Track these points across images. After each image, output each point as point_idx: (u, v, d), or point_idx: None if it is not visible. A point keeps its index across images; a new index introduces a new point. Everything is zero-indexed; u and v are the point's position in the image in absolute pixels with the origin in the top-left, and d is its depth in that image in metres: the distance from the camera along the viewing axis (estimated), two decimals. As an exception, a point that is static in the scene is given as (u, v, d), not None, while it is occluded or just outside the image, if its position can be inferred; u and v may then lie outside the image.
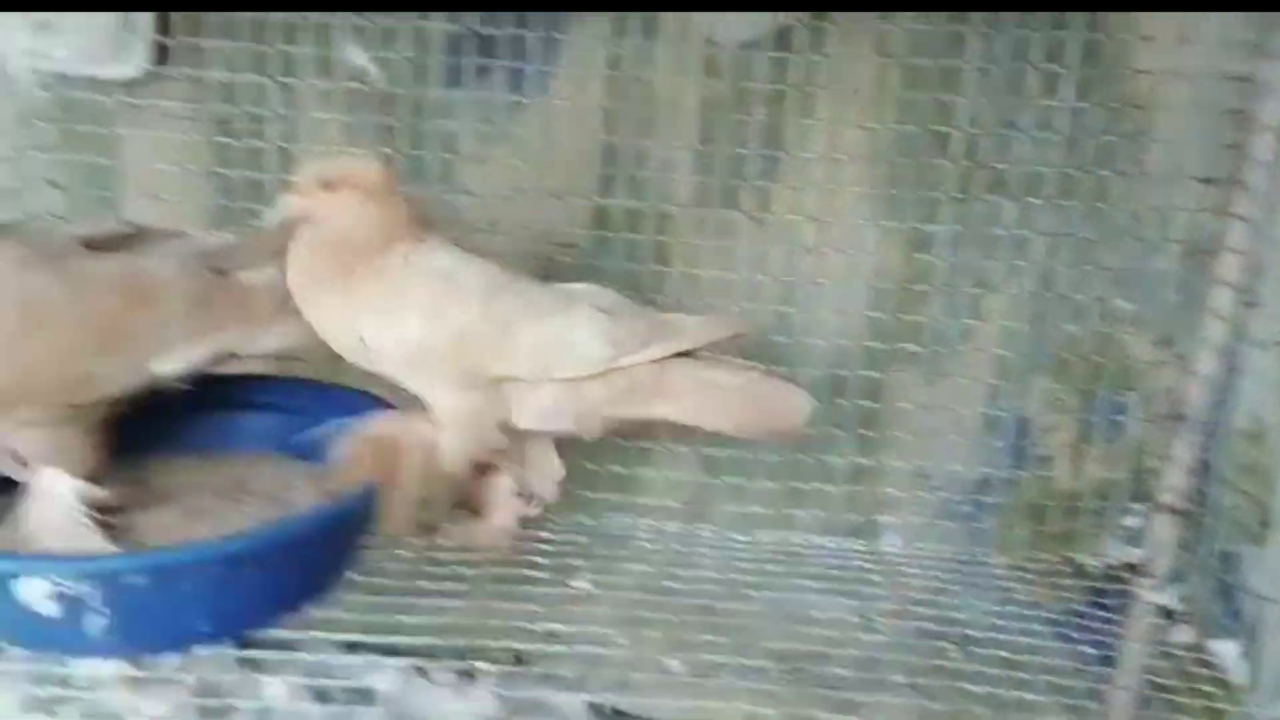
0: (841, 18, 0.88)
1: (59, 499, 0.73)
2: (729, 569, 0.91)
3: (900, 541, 0.98)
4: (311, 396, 0.86)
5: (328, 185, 0.73)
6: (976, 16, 0.87)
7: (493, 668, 0.84)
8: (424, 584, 0.83)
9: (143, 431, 0.81)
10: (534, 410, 0.79)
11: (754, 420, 0.81)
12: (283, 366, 0.89)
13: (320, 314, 0.76)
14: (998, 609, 0.87)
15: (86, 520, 0.72)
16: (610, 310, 0.78)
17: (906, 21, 0.88)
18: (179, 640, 0.69)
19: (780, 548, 0.96)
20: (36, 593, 0.63)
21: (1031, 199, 0.91)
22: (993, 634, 0.83)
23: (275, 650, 0.77)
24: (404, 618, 0.79)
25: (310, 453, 0.84)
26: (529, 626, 0.81)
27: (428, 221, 0.78)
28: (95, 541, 0.72)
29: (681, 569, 0.91)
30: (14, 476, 0.75)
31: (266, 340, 0.81)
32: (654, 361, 0.77)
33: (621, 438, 0.95)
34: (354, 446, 0.77)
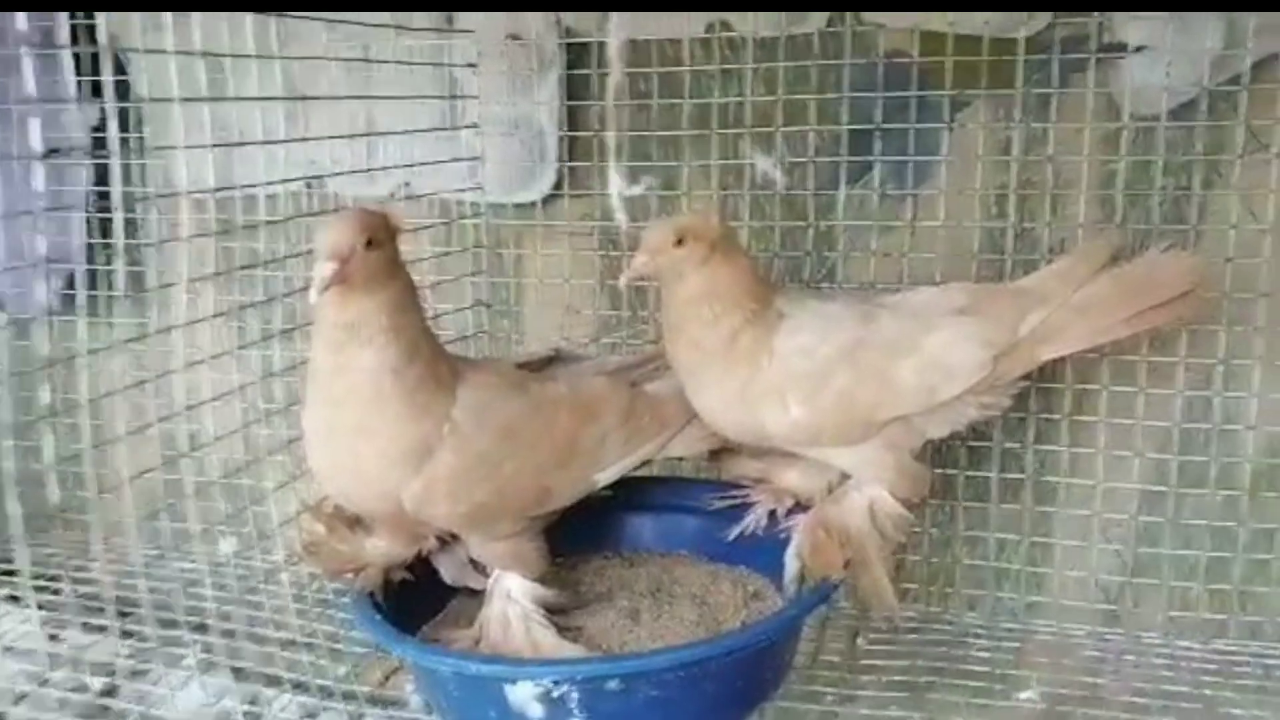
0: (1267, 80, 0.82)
1: (516, 604, 0.76)
2: (1154, 679, 0.83)
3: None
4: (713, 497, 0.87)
5: (677, 241, 0.74)
6: None
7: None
8: (865, 692, 0.81)
9: (571, 534, 0.84)
10: (936, 421, 0.77)
11: (1143, 300, 0.75)
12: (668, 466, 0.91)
13: (712, 403, 0.77)
14: None
15: (543, 622, 0.75)
16: (967, 308, 0.76)
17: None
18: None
19: (1226, 655, 0.87)
20: (525, 695, 0.65)
21: None
22: None
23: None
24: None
25: (724, 553, 0.86)
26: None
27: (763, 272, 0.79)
28: (552, 642, 0.74)
29: (1114, 678, 0.84)
30: (473, 585, 0.80)
31: (676, 445, 0.83)
32: None
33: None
34: (812, 539, 0.76)
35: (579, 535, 0.86)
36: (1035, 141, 0.89)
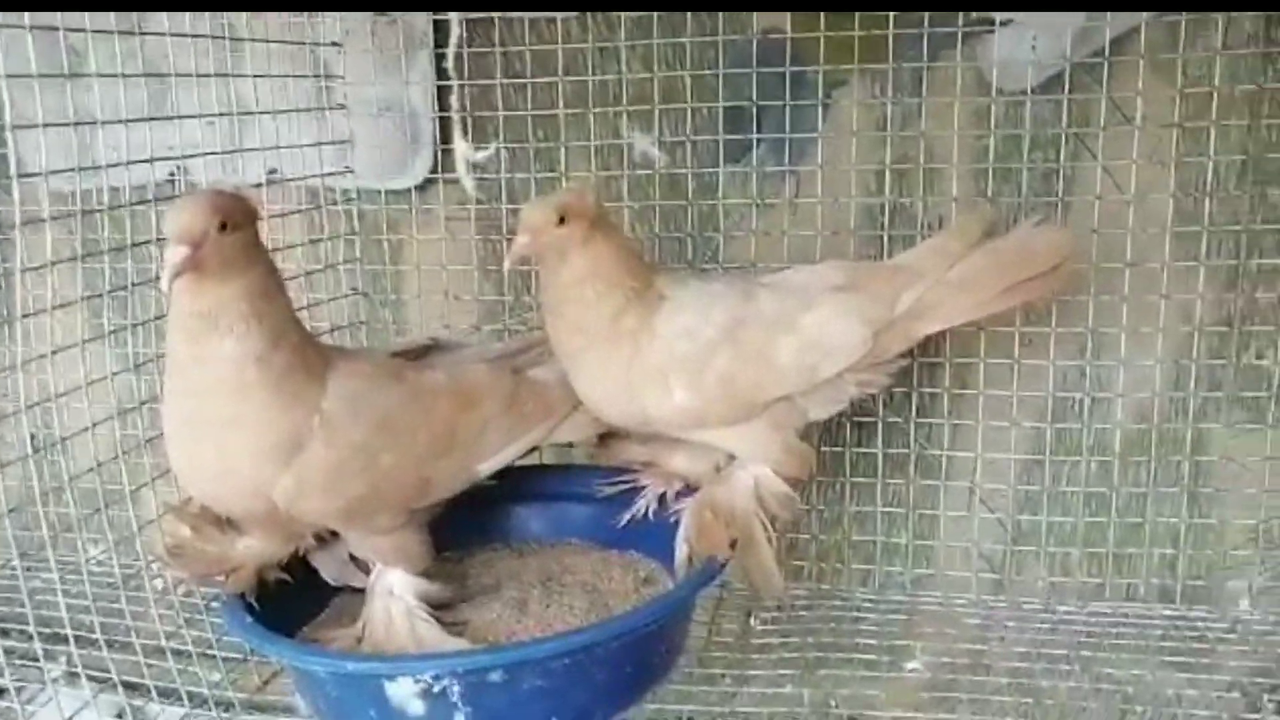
0: (1132, 51, 0.84)
1: (399, 600, 0.74)
2: (1051, 644, 0.85)
3: (1249, 605, 0.90)
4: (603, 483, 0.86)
5: (559, 220, 0.73)
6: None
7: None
8: (754, 671, 0.81)
9: (456, 527, 0.82)
10: (818, 400, 0.78)
11: (1017, 273, 0.76)
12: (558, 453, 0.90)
13: (594, 389, 0.76)
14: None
15: (426, 617, 0.73)
16: (846, 284, 0.76)
17: (1208, 50, 0.83)
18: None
19: (1100, 617, 0.89)
20: (405, 692, 0.63)
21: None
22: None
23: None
24: (740, 707, 0.77)
25: (615, 539, 0.85)
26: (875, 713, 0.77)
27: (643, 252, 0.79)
28: (436, 636, 0.72)
29: (990, 644, 0.86)
30: (354, 583, 0.77)
31: (564, 431, 0.82)
32: None
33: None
34: (698, 521, 0.76)
35: (465, 528, 0.84)
36: (909, 117, 0.89)
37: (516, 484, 0.85)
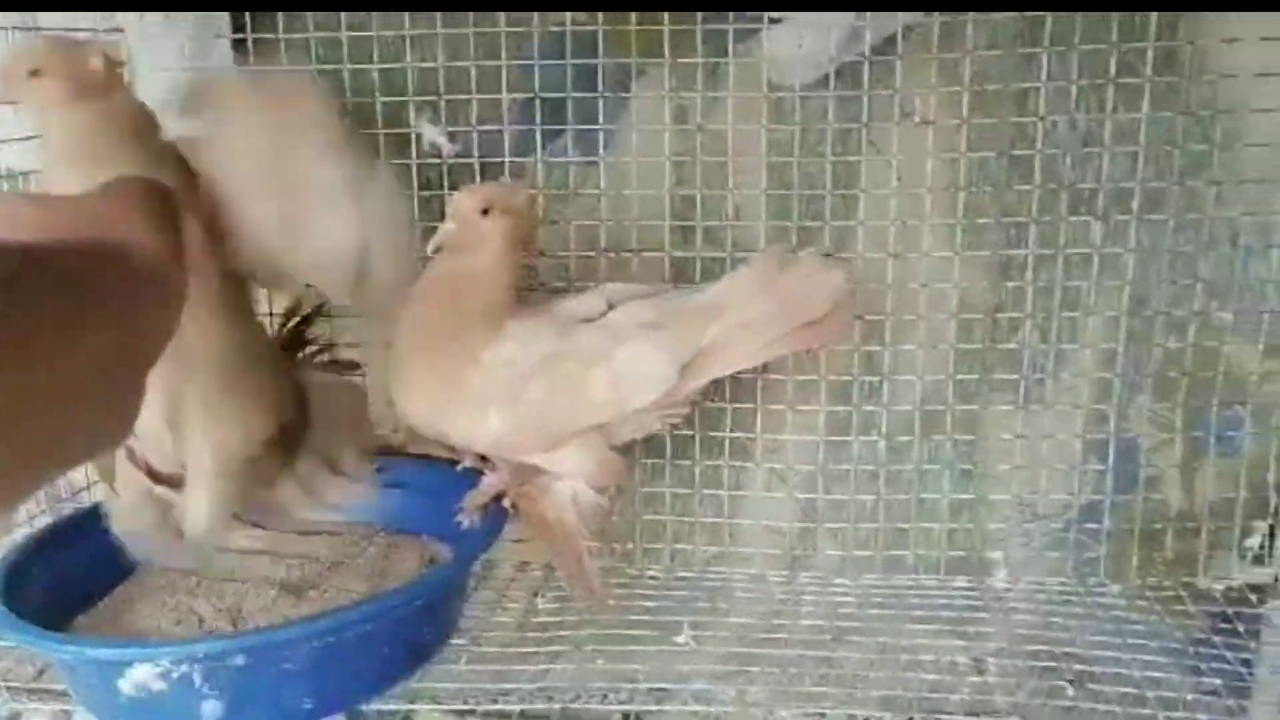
0: (907, 50, 0.87)
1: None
2: (833, 615, 0.90)
3: (1009, 575, 0.95)
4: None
5: (483, 210, 0.76)
6: (1046, 36, 0.86)
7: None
8: (528, 650, 0.83)
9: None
10: (625, 429, 0.81)
11: (795, 317, 0.78)
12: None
13: (413, 398, 0.79)
14: (1115, 640, 0.84)
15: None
16: (654, 320, 0.79)
17: (976, 49, 0.86)
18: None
19: (885, 589, 0.94)
20: (145, 676, 0.64)
21: (1119, 215, 0.88)
22: (1111, 667, 0.80)
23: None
24: (508, 684, 0.79)
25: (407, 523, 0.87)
26: (636, 685, 0.80)
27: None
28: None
29: (785, 618, 0.90)
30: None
31: None
32: None
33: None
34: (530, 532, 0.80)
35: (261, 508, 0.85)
36: (711, 111, 0.92)
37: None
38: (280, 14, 0.92)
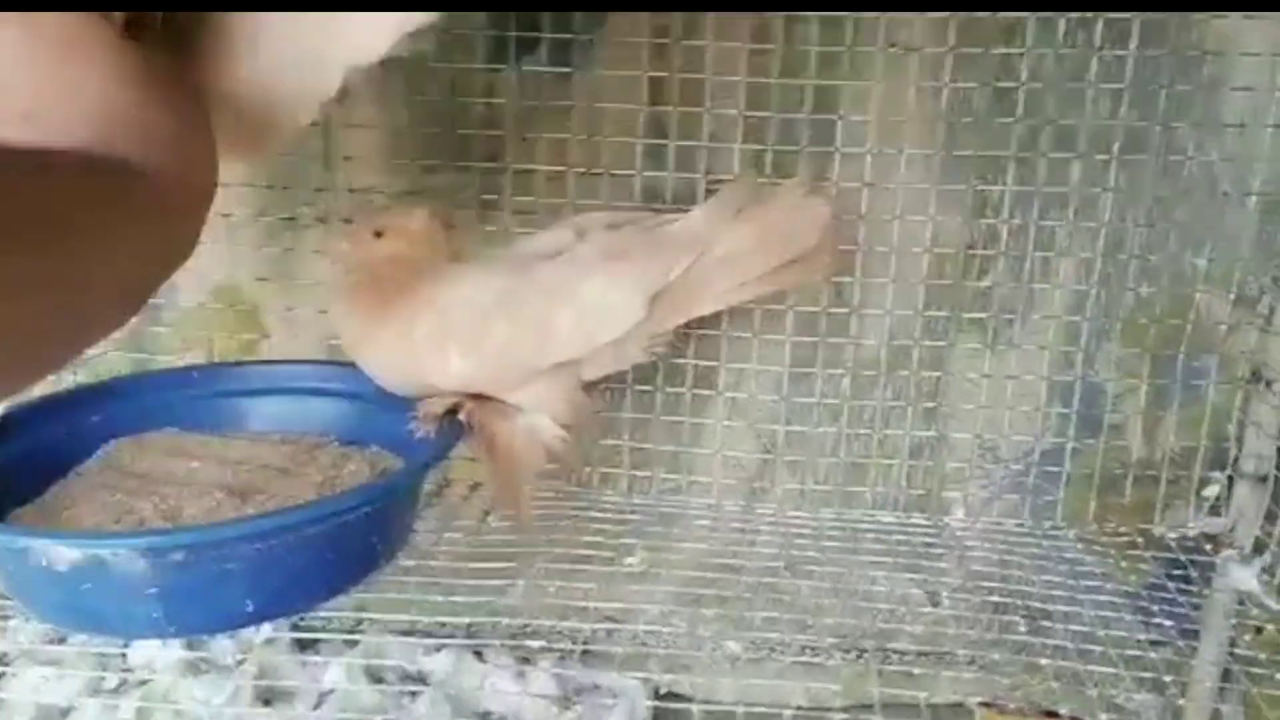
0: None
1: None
2: (789, 547, 0.89)
3: (966, 515, 0.95)
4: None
5: (377, 233, 0.77)
6: (1038, -33, 0.84)
7: (550, 649, 0.84)
8: (477, 565, 0.82)
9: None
10: (597, 364, 0.79)
11: (781, 252, 0.76)
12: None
13: (375, 358, 0.79)
14: (1069, 582, 0.83)
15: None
16: (619, 252, 0.77)
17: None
18: (223, 621, 0.68)
19: (842, 524, 0.93)
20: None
21: (1099, 156, 0.87)
22: (1063, 607, 0.80)
23: (331, 635, 0.76)
24: (459, 599, 0.78)
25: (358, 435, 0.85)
26: (585, 606, 0.79)
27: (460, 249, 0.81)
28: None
29: (741, 547, 0.89)
30: None
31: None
32: None
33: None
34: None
35: (208, 412, 0.85)
36: (694, 28, 0.88)
37: (270, 379, 0.86)
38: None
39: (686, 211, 0.79)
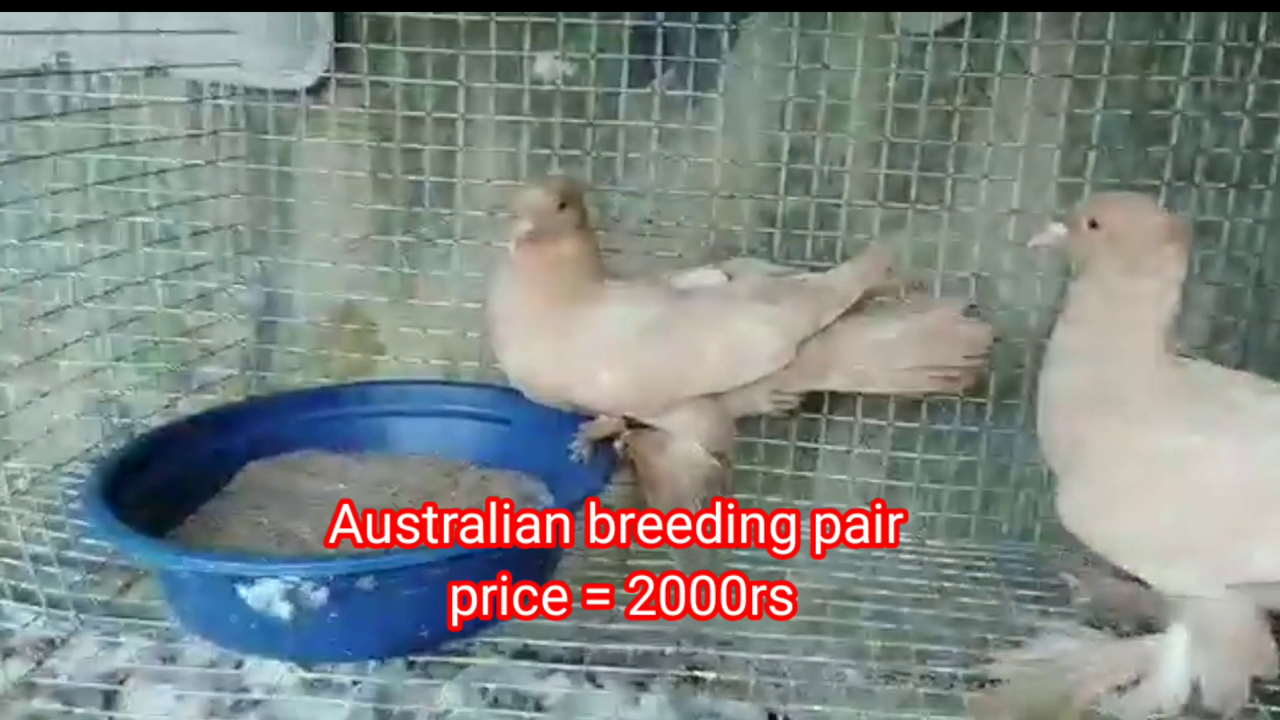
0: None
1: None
2: (916, 575, 0.88)
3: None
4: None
5: (561, 205, 0.76)
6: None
7: (667, 676, 0.83)
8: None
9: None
10: (734, 405, 0.80)
11: (932, 356, 0.79)
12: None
13: (523, 362, 0.79)
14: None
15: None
16: (769, 295, 0.79)
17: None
18: (401, 645, 0.69)
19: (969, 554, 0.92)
20: (269, 595, 0.62)
21: (1258, 186, 0.86)
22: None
23: (444, 658, 0.77)
24: (571, 623, 0.78)
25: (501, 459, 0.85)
26: (704, 633, 0.79)
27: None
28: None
29: (866, 575, 0.88)
30: None
31: None
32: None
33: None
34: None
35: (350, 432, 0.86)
36: (815, 51, 0.89)
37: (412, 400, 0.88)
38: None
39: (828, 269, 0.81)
